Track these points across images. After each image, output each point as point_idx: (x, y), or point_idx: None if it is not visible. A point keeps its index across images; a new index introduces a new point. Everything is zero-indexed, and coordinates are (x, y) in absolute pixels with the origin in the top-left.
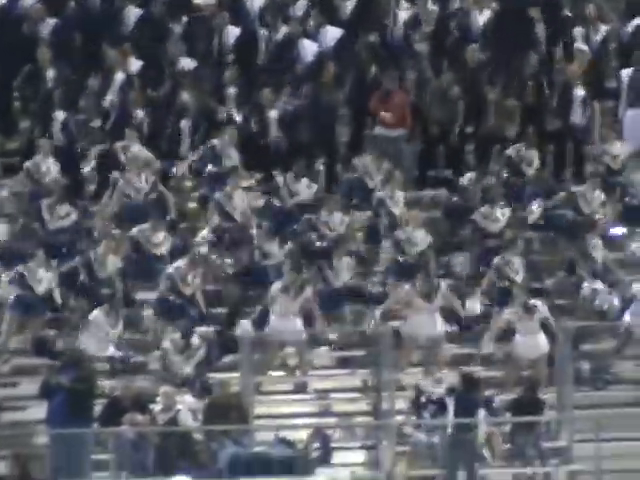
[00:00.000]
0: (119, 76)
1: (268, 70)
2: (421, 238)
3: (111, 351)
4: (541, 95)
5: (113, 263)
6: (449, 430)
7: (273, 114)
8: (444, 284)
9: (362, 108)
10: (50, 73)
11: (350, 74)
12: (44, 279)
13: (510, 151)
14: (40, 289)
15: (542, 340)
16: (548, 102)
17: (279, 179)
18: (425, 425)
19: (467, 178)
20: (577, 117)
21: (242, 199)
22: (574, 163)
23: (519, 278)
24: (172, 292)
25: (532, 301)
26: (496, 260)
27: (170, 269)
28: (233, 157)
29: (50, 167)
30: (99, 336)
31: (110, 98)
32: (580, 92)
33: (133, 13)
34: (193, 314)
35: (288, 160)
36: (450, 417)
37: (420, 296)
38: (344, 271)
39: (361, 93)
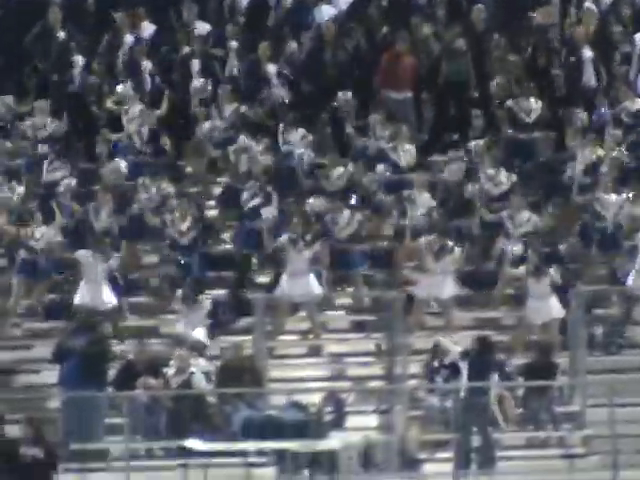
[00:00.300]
0: (128, 39)
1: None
2: (424, 201)
3: (107, 302)
4: (550, 57)
5: (107, 213)
6: (462, 394)
7: (271, 69)
8: (458, 249)
9: (371, 70)
10: (61, 34)
11: (357, 33)
12: (44, 235)
13: (509, 102)
14: (41, 245)
15: (555, 304)
16: (557, 64)
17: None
18: (438, 389)
19: (474, 141)
20: (588, 79)
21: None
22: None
23: (522, 230)
24: (171, 247)
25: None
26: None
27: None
28: (228, 114)
29: (47, 129)
30: (91, 280)
31: (120, 60)
32: (589, 53)
33: None
34: (199, 273)
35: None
36: (464, 381)
37: (431, 255)
38: (347, 226)
39: (370, 54)
